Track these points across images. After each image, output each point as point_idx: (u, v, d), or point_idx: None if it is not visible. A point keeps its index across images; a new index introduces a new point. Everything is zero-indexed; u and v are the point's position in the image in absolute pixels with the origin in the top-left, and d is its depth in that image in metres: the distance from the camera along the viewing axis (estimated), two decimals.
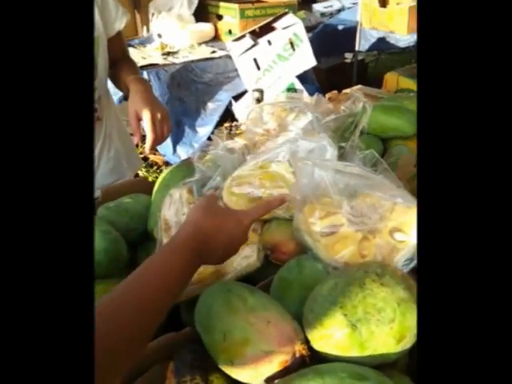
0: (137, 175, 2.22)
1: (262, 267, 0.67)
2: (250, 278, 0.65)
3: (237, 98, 2.25)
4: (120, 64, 1.01)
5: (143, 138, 0.94)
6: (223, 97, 2.23)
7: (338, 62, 3.17)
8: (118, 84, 1.02)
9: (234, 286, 0.52)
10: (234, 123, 2.24)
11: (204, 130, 2.22)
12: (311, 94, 1.41)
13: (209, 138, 2.18)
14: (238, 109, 2.22)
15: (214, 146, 0.81)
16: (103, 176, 1.05)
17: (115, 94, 1.91)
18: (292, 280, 0.58)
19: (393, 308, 0.46)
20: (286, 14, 2.29)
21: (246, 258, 0.65)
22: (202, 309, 0.52)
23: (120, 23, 0.95)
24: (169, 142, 2.20)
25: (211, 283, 0.63)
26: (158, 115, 0.88)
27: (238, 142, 0.86)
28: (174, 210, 0.69)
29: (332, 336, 0.45)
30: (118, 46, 1.00)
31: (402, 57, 3.13)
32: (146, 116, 0.86)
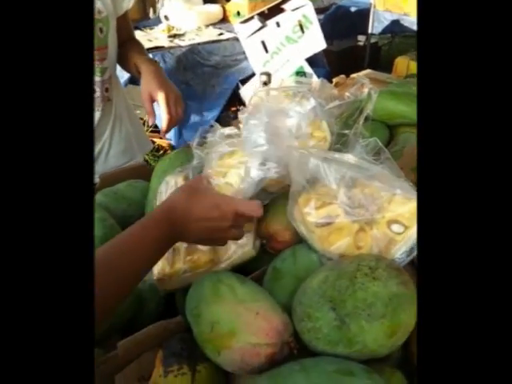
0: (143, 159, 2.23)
1: (257, 256, 0.66)
2: (246, 268, 0.65)
3: (244, 81, 2.21)
4: (127, 45, 0.99)
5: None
6: (230, 80, 2.19)
7: (350, 45, 3.09)
8: (127, 65, 1.00)
9: (225, 276, 0.51)
10: (241, 107, 2.21)
11: (211, 114, 2.20)
12: (321, 77, 1.38)
13: (217, 120, 2.15)
14: (246, 92, 2.18)
15: (213, 133, 0.80)
16: (115, 157, 1.04)
17: (120, 77, 1.89)
18: (285, 271, 0.57)
19: (384, 303, 0.45)
20: None
21: (241, 246, 0.65)
22: (192, 298, 0.52)
23: (128, 2, 0.94)
24: None
25: (206, 271, 0.63)
26: (173, 97, 0.87)
27: (236, 129, 0.84)
28: None
29: (320, 330, 0.44)
30: (125, 25, 0.98)
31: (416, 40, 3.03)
32: (161, 97, 0.85)
